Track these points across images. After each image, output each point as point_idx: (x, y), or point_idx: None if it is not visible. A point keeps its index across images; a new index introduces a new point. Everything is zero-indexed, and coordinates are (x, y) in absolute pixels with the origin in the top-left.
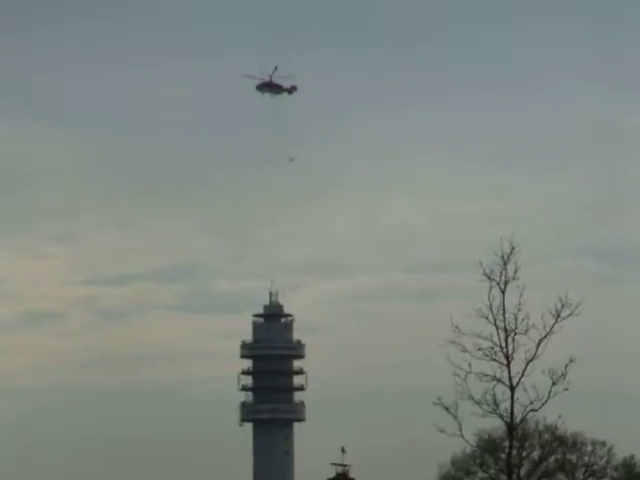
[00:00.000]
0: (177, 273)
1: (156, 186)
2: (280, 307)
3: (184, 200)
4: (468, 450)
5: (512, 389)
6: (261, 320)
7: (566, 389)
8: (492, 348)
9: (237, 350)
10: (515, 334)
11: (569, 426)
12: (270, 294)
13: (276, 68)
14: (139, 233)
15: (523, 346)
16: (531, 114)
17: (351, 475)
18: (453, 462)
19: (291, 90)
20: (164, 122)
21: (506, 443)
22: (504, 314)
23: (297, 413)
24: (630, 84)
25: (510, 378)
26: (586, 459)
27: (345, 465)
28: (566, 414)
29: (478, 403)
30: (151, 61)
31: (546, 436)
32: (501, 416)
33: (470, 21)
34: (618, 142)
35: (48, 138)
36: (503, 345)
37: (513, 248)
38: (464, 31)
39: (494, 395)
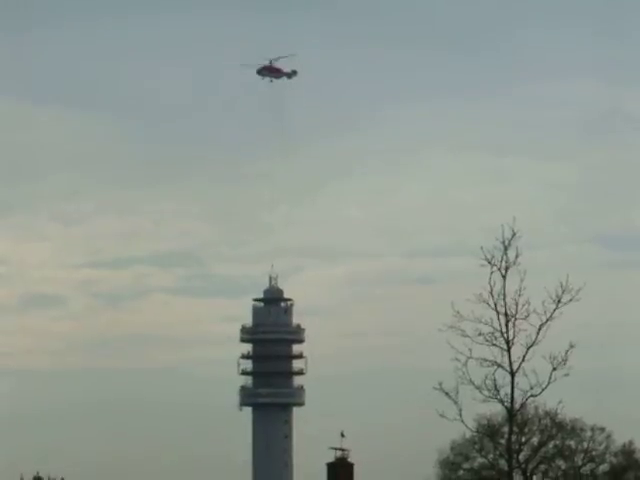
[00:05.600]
0: (177, 257)
1: (157, 170)
2: (280, 291)
3: (185, 184)
4: (467, 435)
5: (512, 374)
6: (261, 304)
7: (566, 375)
8: (492, 333)
9: (237, 334)
10: (516, 319)
11: (568, 412)
12: (270, 278)
13: (272, 61)
14: (140, 216)
15: (524, 331)
16: (533, 102)
17: (350, 459)
18: (452, 447)
19: (291, 74)
20: (165, 106)
21: (505, 428)
22: (505, 299)
23: (296, 397)
24: (633, 71)
25: (510, 363)
26: (585, 445)
27: (344, 449)
28: (566, 400)
29: (478, 388)
30: (151, 46)
31: (546, 422)
32: (501, 401)
33: (469, 13)
34: (620, 129)
35: (49, 121)
36: (504, 330)
37: (514, 233)
38: (464, 22)
39: (494, 380)
